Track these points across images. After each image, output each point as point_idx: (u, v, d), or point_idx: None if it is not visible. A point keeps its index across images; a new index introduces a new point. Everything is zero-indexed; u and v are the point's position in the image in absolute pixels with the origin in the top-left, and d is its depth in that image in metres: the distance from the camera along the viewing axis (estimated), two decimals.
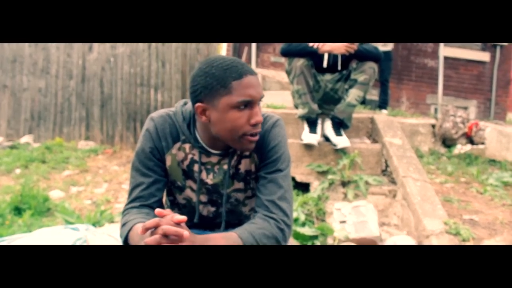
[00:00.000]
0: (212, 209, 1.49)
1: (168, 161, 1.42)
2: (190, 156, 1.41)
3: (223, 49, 7.60)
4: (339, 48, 3.22)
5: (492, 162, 4.47)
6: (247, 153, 1.42)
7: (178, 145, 1.41)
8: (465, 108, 7.21)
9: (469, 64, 7.47)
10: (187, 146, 1.41)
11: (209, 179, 1.42)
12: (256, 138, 1.32)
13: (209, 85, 1.24)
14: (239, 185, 1.45)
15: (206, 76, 1.24)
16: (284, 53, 3.31)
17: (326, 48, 3.24)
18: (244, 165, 1.43)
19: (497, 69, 7.53)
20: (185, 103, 1.46)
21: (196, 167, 1.41)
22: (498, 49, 7.52)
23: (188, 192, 1.45)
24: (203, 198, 1.47)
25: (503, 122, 5.55)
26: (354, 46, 3.20)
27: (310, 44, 3.21)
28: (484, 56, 7.49)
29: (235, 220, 1.51)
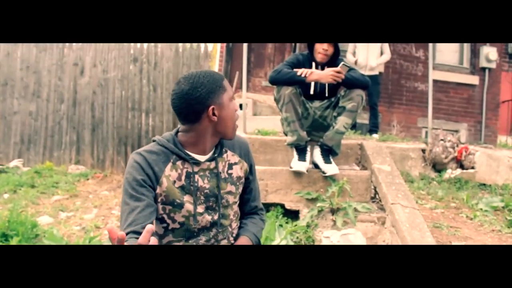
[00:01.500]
0: (209, 218, 1.64)
1: (164, 183, 1.57)
2: (185, 170, 1.60)
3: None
4: (326, 77, 3.22)
5: (482, 186, 4.48)
6: (236, 160, 1.72)
7: (169, 166, 1.58)
8: (456, 131, 7.25)
9: (458, 87, 7.54)
10: (179, 163, 1.60)
11: (206, 183, 1.63)
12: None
13: (212, 89, 1.54)
14: (231, 187, 1.69)
15: (204, 84, 1.53)
16: (272, 82, 3.32)
17: (314, 77, 3.25)
18: (235, 171, 1.71)
19: (486, 92, 7.61)
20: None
21: (192, 178, 1.60)
22: (486, 72, 7.60)
23: (187, 206, 1.60)
24: (200, 208, 1.63)
25: (493, 146, 5.57)
26: (342, 75, 3.21)
27: (298, 73, 3.22)
28: (473, 80, 7.57)
29: (225, 226, 1.71)
